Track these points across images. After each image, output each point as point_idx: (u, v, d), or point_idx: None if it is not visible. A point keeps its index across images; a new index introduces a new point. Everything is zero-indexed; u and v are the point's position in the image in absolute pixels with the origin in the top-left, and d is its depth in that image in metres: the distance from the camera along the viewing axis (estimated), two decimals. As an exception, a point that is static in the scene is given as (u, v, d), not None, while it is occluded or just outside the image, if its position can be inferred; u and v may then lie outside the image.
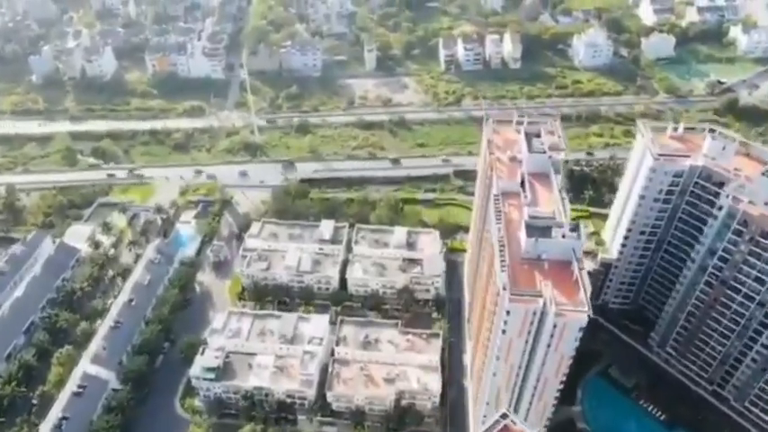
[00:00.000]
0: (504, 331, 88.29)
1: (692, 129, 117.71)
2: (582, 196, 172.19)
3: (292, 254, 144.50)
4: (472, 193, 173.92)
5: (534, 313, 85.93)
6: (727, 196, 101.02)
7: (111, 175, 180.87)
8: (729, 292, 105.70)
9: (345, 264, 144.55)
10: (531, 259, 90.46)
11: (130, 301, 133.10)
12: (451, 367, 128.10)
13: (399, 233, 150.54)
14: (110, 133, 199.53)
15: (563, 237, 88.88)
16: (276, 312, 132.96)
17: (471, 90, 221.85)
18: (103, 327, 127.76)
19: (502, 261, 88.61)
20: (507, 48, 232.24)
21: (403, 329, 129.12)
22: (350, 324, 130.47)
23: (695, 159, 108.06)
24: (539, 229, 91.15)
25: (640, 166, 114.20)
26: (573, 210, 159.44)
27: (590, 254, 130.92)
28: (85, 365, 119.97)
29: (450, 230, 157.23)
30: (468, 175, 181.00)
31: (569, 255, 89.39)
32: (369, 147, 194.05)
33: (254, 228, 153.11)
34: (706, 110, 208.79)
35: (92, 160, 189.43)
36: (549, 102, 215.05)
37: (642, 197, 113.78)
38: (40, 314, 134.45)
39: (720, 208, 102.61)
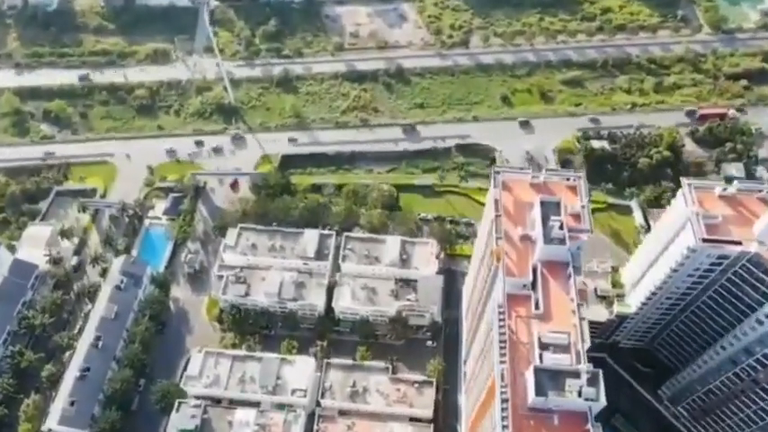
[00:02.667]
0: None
1: (749, 184, 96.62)
2: (600, 182, 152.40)
3: (273, 276, 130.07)
4: (474, 174, 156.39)
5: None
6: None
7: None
8: (762, 393, 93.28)
9: (332, 285, 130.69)
10: (539, 410, 76.81)
11: (97, 339, 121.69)
12: (446, 416, 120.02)
13: (392, 244, 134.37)
14: (62, 89, 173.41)
15: (579, 394, 74.30)
16: (257, 354, 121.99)
17: (481, 23, 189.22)
18: (69, 375, 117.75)
19: (503, 416, 75.17)
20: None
21: (393, 377, 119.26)
22: (336, 368, 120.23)
23: (747, 244, 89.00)
24: (550, 376, 76.33)
25: (677, 235, 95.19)
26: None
27: (603, 299, 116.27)
28: (53, 426, 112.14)
29: (448, 234, 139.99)
30: (470, 150, 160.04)
31: (584, 408, 75.55)
32: (361, 108, 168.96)
33: (231, 236, 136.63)
34: (755, 54, 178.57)
35: (45, 128, 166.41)
36: (572, 41, 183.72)
37: (675, 271, 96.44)
38: (2, 351, 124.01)
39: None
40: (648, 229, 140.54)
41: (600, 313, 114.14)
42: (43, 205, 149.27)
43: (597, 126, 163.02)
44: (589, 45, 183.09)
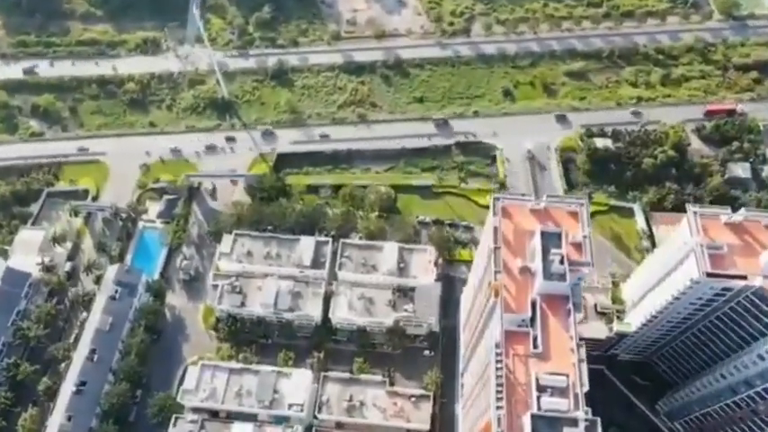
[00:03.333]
0: None
1: (756, 212, 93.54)
2: (602, 182, 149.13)
3: (269, 286, 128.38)
4: (474, 174, 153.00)
5: None
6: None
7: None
8: (761, 423, 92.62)
9: (329, 295, 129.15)
10: (536, 456, 76.00)
11: (92, 352, 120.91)
12: (443, 428, 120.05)
13: (390, 251, 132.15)
14: (50, 81, 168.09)
15: (576, 445, 73.36)
16: (253, 367, 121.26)
17: (484, 9, 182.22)
18: (66, 390, 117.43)
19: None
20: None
21: (390, 390, 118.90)
22: (333, 382, 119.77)
23: (752, 278, 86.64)
24: (547, 423, 75.15)
25: (680, 263, 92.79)
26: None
27: (603, 315, 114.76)
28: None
29: (446, 240, 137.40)
30: (470, 149, 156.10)
31: (582, 457, 74.76)
32: (358, 103, 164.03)
33: (226, 243, 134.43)
34: (767, 43, 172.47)
35: (34, 125, 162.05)
36: (577, 29, 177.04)
37: (677, 298, 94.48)
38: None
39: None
40: (651, 234, 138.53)
41: (599, 330, 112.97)
42: (34, 208, 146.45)
43: (601, 122, 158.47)
44: (595, 33, 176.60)
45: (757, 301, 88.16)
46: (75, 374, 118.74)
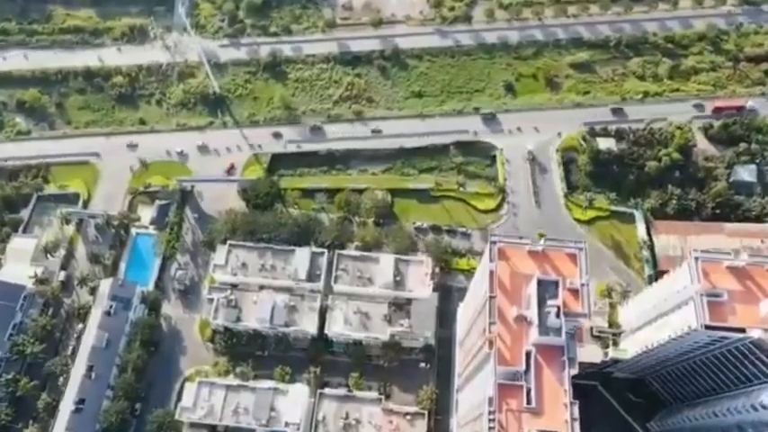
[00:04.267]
0: None
1: (760, 257, 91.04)
2: (605, 185, 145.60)
3: (264, 300, 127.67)
4: (474, 176, 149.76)
5: None
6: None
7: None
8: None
9: (324, 309, 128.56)
10: None
11: (90, 370, 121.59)
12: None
13: (386, 263, 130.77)
14: (34, 74, 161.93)
15: None
16: (250, 384, 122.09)
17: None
18: (65, 408, 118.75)
19: None
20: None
21: (386, 408, 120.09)
22: (329, 399, 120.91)
23: (750, 330, 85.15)
24: (538, 485, 75.80)
25: (679, 307, 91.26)
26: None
27: (599, 339, 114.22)
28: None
29: (443, 251, 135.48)
30: (470, 148, 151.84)
31: None
32: (354, 99, 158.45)
33: (220, 254, 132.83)
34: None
35: (20, 122, 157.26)
36: (584, 16, 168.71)
37: (674, 339, 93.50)
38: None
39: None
40: (651, 244, 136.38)
41: (594, 354, 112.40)
42: (24, 213, 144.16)
43: (605, 120, 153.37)
44: (602, 20, 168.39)
45: (755, 349, 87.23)
46: (73, 392, 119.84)
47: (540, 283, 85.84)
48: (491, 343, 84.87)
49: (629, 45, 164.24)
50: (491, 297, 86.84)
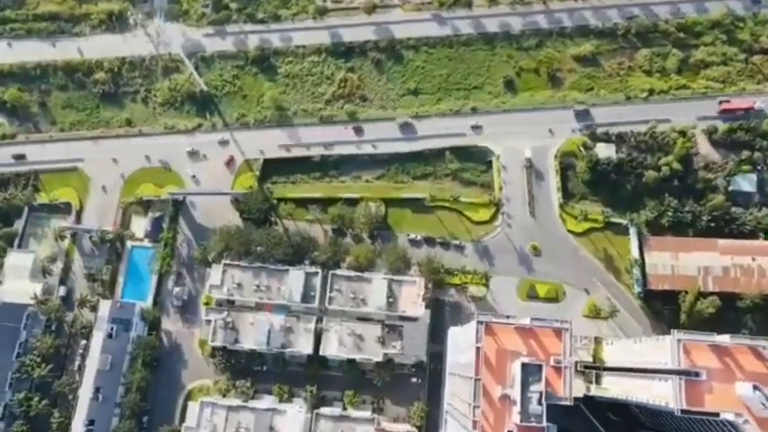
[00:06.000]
0: None
1: (743, 339, 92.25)
2: (602, 192, 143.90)
3: (261, 321, 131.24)
4: (469, 183, 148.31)
5: None
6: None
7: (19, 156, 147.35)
8: None
9: (319, 331, 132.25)
10: None
11: (97, 392, 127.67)
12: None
13: (379, 285, 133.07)
14: (12, 69, 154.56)
15: None
16: (250, 404, 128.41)
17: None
18: (77, 429, 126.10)
19: None
20: None
21: (379, 428, 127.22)
22: (325, 419, 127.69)
23: (725, 414, 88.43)
24: None
25: (659, 380, 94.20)
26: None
27: (582, 374, 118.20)
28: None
29: (436, 271, 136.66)
30: (466, 153, 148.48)
31: None
32: (347, 97, 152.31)
33: (216, 274, 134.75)
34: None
35: (4, 123, 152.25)
36: (593, 0, 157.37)
37: (652, 403, 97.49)
38: (10, 397, 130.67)
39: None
40: (642, 264, 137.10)
41: (578, 388, 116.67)
42: (18, 225, 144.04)
43: (606, 122, 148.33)
44: (612, 3, 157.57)
45: (729, 426, 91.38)
46: (83, 414, 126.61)
47: (524, 366, 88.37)
48: (475, 422, 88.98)
49: (638, 34, 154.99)
50: (476, 380, 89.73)
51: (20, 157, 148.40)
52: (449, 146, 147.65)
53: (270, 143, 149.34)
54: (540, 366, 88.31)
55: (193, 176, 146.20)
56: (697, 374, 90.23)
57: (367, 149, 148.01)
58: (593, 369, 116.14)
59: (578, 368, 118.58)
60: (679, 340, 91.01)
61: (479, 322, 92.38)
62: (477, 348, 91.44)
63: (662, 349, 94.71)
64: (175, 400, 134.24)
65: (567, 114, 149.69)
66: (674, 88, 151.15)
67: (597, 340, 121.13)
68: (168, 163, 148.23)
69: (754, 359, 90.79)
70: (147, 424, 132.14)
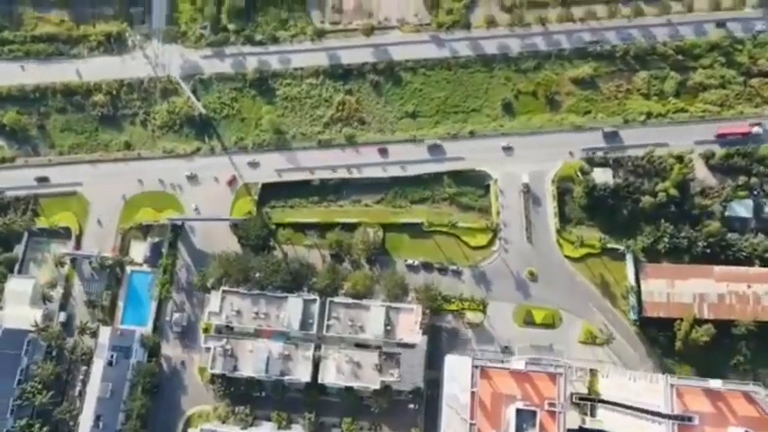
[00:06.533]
0: None
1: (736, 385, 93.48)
2: (599, 217, 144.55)
3: (260, 349, 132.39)
4: (467, 207, 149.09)
5: None
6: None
7: (42, 179, 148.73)
8: None
9: (317, 358, 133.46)
10: None
11: (98, 419, 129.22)
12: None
13: (376, 312, 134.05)
14: (10, 91, 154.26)
15: None
16: (248, 431, 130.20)
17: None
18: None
19: None
20: None
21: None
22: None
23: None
24: None
25: (652, 422, 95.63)
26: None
27: (578, 406, 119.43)
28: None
29: (434, 299, 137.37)
30: (464, 178, 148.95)
31: None
32: (345, 120, 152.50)
33: (215, 301, 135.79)
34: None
35: (4, 146, 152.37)
36: (592, 22, 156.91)
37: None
38: (12, 424, 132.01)
39: None
40: (638, 291, 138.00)
41: (573, 420, 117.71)
42: (18, 250, 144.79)
43: (604, 147, 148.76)
44: (611, 26, 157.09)
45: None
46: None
47: (519, 412, 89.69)
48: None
49: (636, 56, 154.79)
50: (471, 424, 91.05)
51: (42, 180, 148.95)
52: (446, 170, 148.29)
53: (268, 168, 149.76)
54: (534, 413, 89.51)
55: (195, 208, 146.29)
56: (690, 419, 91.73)
57: (394, 171, 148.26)
58: (588, 401, 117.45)
59: (573, 400, 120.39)
60: (672, 385, 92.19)
61: (475, 366, 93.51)
62: (473, 393, 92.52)
63: (656, 392, 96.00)
64: (175, 426, 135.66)
65: (565, 137, 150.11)
66: (672, 112, 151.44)
67: (593, 372, 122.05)
68: (167, 187, 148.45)
69: (746, 404, 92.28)
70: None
